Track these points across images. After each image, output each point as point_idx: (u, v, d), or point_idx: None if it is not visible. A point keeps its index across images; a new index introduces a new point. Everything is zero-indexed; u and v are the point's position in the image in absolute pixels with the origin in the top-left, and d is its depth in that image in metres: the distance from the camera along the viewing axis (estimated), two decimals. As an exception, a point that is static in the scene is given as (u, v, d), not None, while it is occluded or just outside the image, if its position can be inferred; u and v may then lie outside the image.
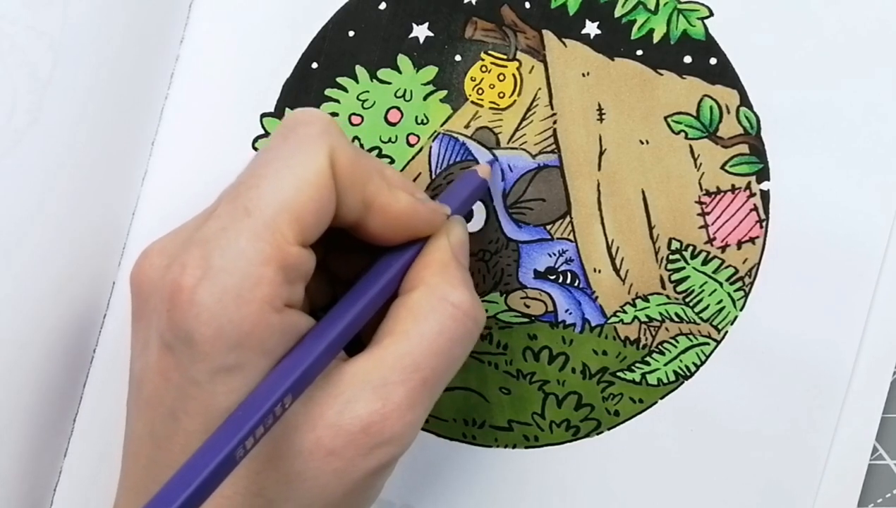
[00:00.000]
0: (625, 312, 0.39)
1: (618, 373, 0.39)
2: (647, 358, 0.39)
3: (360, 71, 0.39)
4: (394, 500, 0.40)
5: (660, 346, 0.38)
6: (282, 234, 0.30)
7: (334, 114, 0.39)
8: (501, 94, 0.39)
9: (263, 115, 0.40)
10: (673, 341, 0.38)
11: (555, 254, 0.39)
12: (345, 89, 0.39)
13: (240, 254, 0.29)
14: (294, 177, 0.30)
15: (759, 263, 0.38)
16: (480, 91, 0.39)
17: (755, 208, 0.38)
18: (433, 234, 0.34)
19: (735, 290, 0.38)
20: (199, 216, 0.33)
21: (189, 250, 0.30)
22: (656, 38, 0.38)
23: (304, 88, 0.39)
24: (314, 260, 0.31)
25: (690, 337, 0.38)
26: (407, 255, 0.34)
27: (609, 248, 0.38)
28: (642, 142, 0.38)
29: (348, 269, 0.35)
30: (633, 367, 0.39)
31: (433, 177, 0.39)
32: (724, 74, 0.38)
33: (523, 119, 0.39)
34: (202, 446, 0.28)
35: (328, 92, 0.39)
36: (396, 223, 0.33)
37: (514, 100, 0.39)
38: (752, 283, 0.38)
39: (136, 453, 0.31)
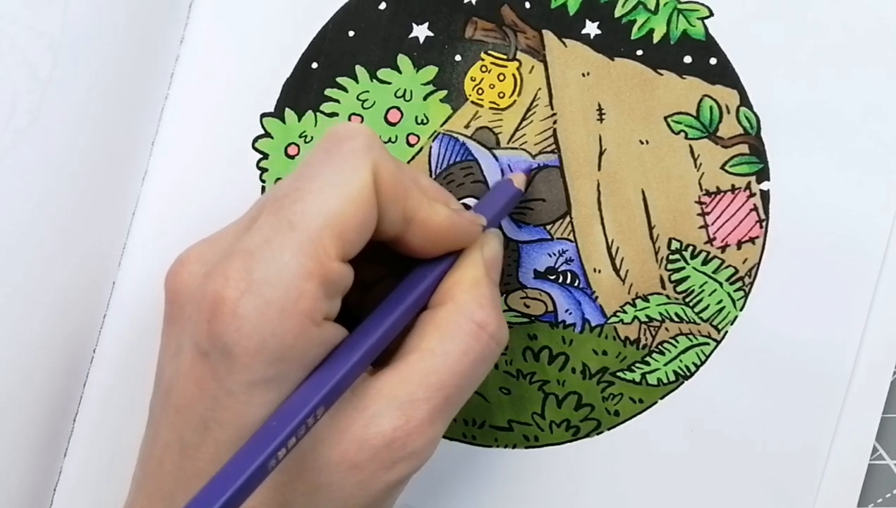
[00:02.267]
0: (625, 312, 0.39)
1: (618, 373, 0.39)
2: (647, 358, 0.39)
3: (360, 71, 0.39)
4: (394, 500, 0.40)
5: (660, 346, 0.38)
6: (324, 250, 0.30)
7: (334, 114, 0.39)
8: (501, 94, 0.39)
9: (263, 115, 0.40)
10: (673, 341, 0.38)
11: (555, 254, 0.39)
12: (345, 89, 0.39)
13: (283, 268, 0.29)
14: (338, 192, 0.30)
15: (758, 263, 0.38)
16: (480, 91, 0.39)
17: (755, 208, 0.38)
18: (467, 247, 0.34)
19: (735, 290, 0.38)
20: (237, 225, 0.33)
21: (231, 261, 0.30)
22: (656, 38, 0.38)
23: (304, 88, 0.39)
24: (353, 275, 0.32)
25: (690, 337, 0.38)
26: (440, 268, 0.34)
27: (609, 248, 0.38)
28: (642, 143, 0.38)
29: (371, 274, 0.35)
30: (633, 367, 0.39)
31: (433, 177, 0.39)
32: (724, 74, 0.38)
33: (523, 119, 0.39)
34: (236, 454, 0.28)
35: (328, 92, 0.39)
36: (436, 237, 0.33)
37: (514, 100, 0.39)
38: (752, 283, 0.38)
39: (161, 458, 0.31)
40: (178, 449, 0.30)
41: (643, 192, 0.38)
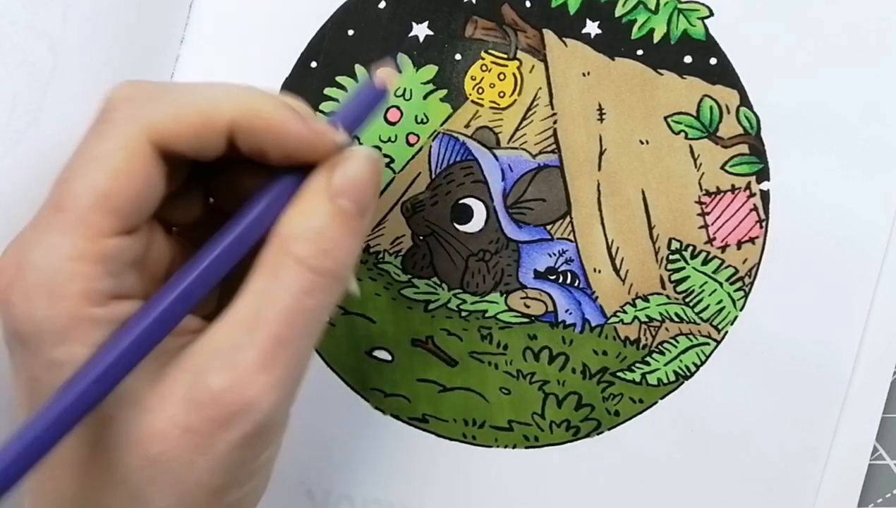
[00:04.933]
0: (625, 312, 0.39)
1: (618, 373, 0.39)
2: (648, 359, 0.39)
3: (359, 70, 0.39)
4: (394, 500, 0.40)
5: (660, 346, 0.38)
6: (96, 228, 0.29)
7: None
8: (502, 94, 0.39)
9: (263, 115, 0.39)
10: (673, 341, 0.38)
11: (555, 254, 0.39)
12: (344, 88, 0.39)
13: (51, 250, 0.28)
14: (102, 169, 0.29)
15: (758, 263, 0.38)
16: (480, 90, 0.39)
17: (755, 208, 0.38)
18: (316, 169, 0.31)
19: (735, 290, 0.38)
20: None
21: (7, 252, 0.29)
22: (657, 37, 0.38)
23: (303, 87, 0.39)
24: (141, 245, 0.30)
25: (690, 337, 0.38)
26: (273, 194, 0.30)
27: (609, 248, 0.38)
28: (642, 142, 0.38)
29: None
30: (633, 367, 0.39)
31: (433, 176, 0.39)
32: (724, 74, 0.38)
33: (523, 118, 0.39)
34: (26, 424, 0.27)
35: (328, 91, 0.39)
36: (268, 137, 0.30)
37: (515, 100, 0.39)
38: (751, 283, 0.38)
39: None
40: None
41: (643, 192, 0.38)
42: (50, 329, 0.28)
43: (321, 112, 0.39)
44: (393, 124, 0.39)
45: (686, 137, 0.38)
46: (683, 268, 0.38)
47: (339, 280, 0.30)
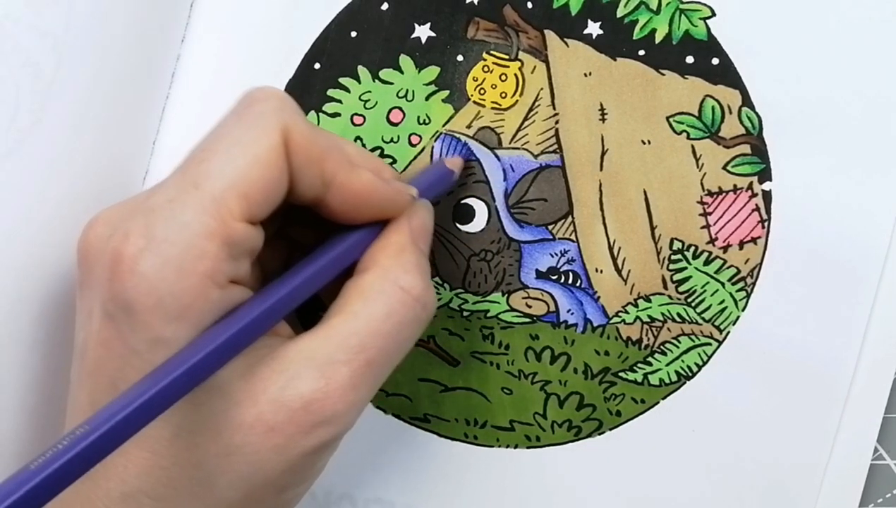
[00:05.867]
0: (627, 312, 0.39)
1: (620, 374, 0.39)
2: (649, 359, 0.39)
3: (362, 71, 0.39)
4: (395, 500, 0.40)
5: (662, 347, 0.38)
6: (228, 210, 0.29)
7: (336, 115, 0.39)
8: (503, 94, 0.39)
9: (266, 115, 0.40)
10: (675, 341, 0.38)
11: (557, 254, 0.39)
12: (347, 89, 0.39)
13: (184, 226, 0.29)
14: (244, 153, 0.30)
15: (760, 263, 0.38)
16: (482, 91, 0.39)
17: (757, 208, 0.38)
18: (395, 217, 0.34)
19: (737, 291, 0.38)
20: (149, 189, 0.32)
21: (134, 219, 0.30)
22: (658, 38, 0.38)
23: (306, 89, 0.39)
24: (262, 238, 0.31)
25: (692, 337, 0.38)
26: (364, 233, 0.33)
27: (611, 248, 0.38)
28: (644, 143, 0.38)
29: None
30: (634, 368, 0.39)
31: (435, 177, 0.39)
32: (726, 74, 0.38)
33: (525, 119, 0.39)
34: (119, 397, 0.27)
35: (330, 92, 0.39)
36: (357, 201, 0.32)
37: (516, 101, 0.39)
38: (753, 284, 0.38)
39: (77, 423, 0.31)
40: (92, 412, 0.30)
41: (645, 192, 0.38)
42: (172, 304, 0.29)
43: (324, 113, 0.40)
44: (395, 125, 0.39)
45: (688, 137, 0.38)
46: (685, 269, 0.38)
47: (431, 316, 0.33)
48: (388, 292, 0.32)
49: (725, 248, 0.38)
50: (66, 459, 0.25)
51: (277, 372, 0.30)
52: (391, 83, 0.39)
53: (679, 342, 0.38)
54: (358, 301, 0.32)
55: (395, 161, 0.39)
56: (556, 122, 0.39)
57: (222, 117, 0.32)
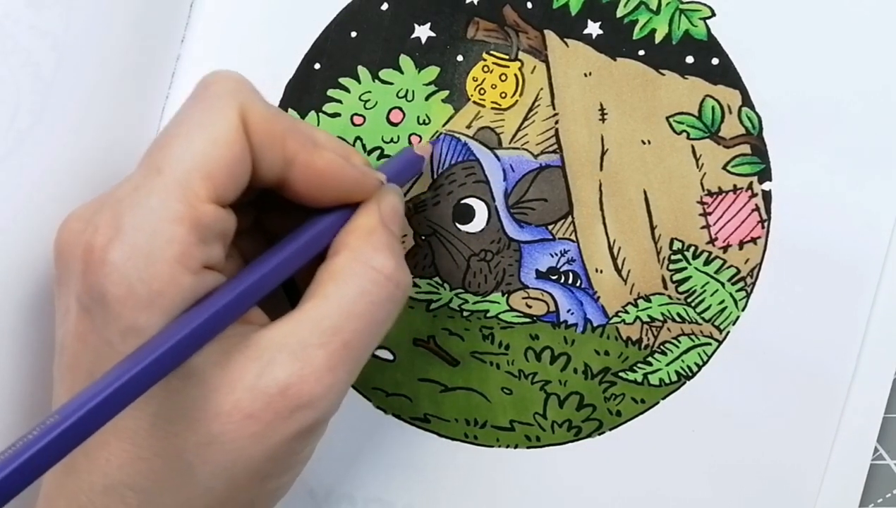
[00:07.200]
0: (626, 312, 0.39)
1: (620, 374, 0.39)
2: (649, 359, 0.39)
3: (362, 71, 0.39)
4: (395, 500, 0.40)
5: (662, 346, 0.38)
6: (194, 192, 0.29)
7: (336, 115, 0.39)
8: (503, 94, 0.39)
9: (266, 115, 0.40)
10: (675, 341, 0.38)
11: (556, 254, 0.39)
12: (347, 90, 0.39)
13: (151, 213, 0.29)
14: (203, 135, 0.30)
15: (760, 263, 0.38)
16: (482, 91, 0.39)
17: (757, 208, 0.38)
18: (365, 201, 0.34)
19: (737, 291, 0.38)
20: (120, 182, 0.32)
21: (102, 211, 0.30)
22: (658, 38, 0.38)
23: (306, 89, 0.39)
24: (233, 221, 0.31)
25: (692, 337, 0.38)
26: (334, 217, 0.33)
27: (611, 248, 0.38)
28: (644, 143, 0.38)
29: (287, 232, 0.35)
30: (634, 367, 0.39)
31: (435, 177, 0.39)
32: (726, 74, 0.38)
33: (525, 119, 0.39)
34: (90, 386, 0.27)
35: (330, 92, 0.40)
36: (320, 181, 0.32)
37: (516, 101, 0.39)
38: (753, 284, 0.38)
39: None
40: None
41: (645, 192, 0.38)
42: (142, 291, 0.29)
43: (324, 113, 0.40)
44: (395, 125, 0.39)
45: (688, 137, 0.38)
46: (685, 269, 0.38)
47: (406, 296, 0.33)
48: (358, 273, 0.32)
49: (725, 248, 0.38)
50: (36, 449, 0.25)
51: (252, 359, 0.30)
52: (391, 83, 0.39)
53: (679, 342, 0.38)
54: (329, 284, 0.31)
55: (395, 161, 0.39)
56: (556, 122, 0.39)
57: (182, 104, 0.32)
